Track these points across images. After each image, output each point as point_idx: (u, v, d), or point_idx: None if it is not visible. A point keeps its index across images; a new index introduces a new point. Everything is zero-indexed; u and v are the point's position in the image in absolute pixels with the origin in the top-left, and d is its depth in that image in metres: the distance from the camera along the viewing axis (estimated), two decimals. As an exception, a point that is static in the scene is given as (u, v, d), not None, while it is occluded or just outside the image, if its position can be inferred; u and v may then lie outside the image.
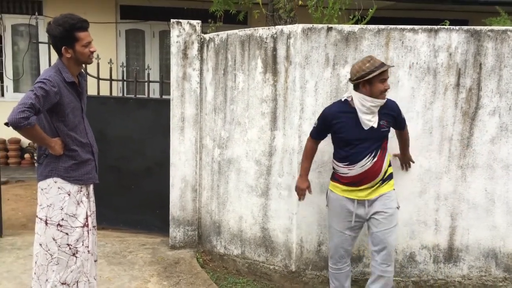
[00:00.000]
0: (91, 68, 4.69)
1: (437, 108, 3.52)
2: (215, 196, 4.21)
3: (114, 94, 5.39)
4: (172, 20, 4.29)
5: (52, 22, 2.73)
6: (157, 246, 4.54)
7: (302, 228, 3.68)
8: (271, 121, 3.76)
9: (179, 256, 4.28)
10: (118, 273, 3.92)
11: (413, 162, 3.50)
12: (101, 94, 5.03)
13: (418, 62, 3.48)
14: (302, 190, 3.35)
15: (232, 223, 4.06)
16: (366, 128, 3.02)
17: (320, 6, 4.90)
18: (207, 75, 4.24)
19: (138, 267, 4.05)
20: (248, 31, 3.85)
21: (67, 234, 2.79)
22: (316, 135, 3.25)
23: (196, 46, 4.27)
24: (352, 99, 3.06)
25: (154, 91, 7.79)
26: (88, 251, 2.90)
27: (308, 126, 3.55)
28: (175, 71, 4.31)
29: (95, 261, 3.09)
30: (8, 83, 8.50)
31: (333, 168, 3.23)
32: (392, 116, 3.12)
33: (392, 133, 3.28)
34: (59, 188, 2.77)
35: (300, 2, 5.18)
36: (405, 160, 3.49)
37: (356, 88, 3.04)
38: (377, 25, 3.51)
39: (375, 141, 3.05)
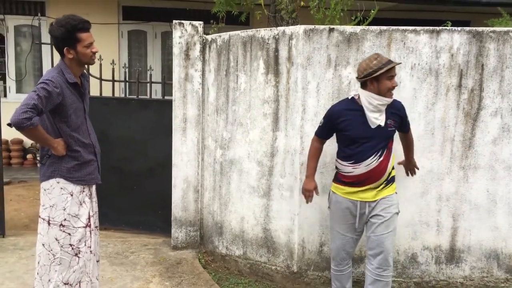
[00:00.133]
0: (93, 69, 4.70)
1: (439, 109, 3.52)
2: (217, 197, 4.21)
3: (116, 95, 5.39)
4: (174, 21, 4.30)
5: (54, 23, 2.74)
6: (159, 246, 4.55)
7: (304, 228, 3.69)
8: (273, 122, 3.76)
9: (181, 257, 4.29)
10: (120, 273, 3.93)
11: (418, 169, 3.47)
12: (103, 95, 5.05)
13: (420, 63, 3.48)
14: (309, 192, 3.27)
15: (234, 224, 4.06)
16: (373, 126, 2.99)
17: (322, 7, 4.91)
18: (209, 76, 4.25)
19: (140, 267, 4.06)
20: (250, 32, 3.85)
21: (69, 234, 2.80)
22: (322, 133, 3.21)
23: (198, 47, 4.28)
24: (359, 97, 3.04)
25: (156, 92, 7.82)
26: (91, 251, 2.91)
27: (310, 127, 3.56)
28: (177, 72, 4.31)
29: (97, 261, 3.10)
30: (11, 83, 8.53)
31: (336, 168, 3.19)
32: (399, 116, 3.10)
33: (397, 139, 3.25)
34: (61, 188, 2.78)
35: (302, 3, 5.19)
36: (410, 167, 3.45)
37: (363, 86, 3.02)
38: (379, 26, 3.51)
39: (381, 140, 3.02)
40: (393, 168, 3.15)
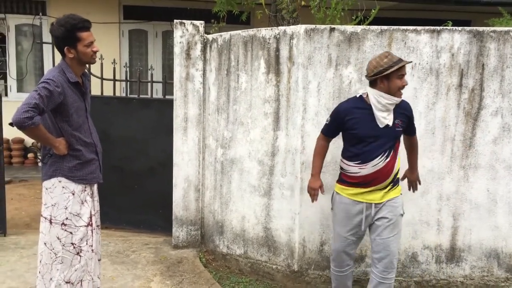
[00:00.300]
0: (94, 68, 4.71)
1: (439, 109, 3.53)
2: (218, 196, 4.22)
3: (118, 94, 5.41)
4: (175, 21, 4.30)
5: (54, 23, 2.75)
6: (160, 245, 4.56)
7: (305, 228, 3.69)
8: (273, 121, 3.77)
9: (182, 256, 4.30)
10: (121, 272, 3.94)
11: (420, 184, 3.37)
12: (104, 94, 5.06)
13: (420, 62, 3.49)
14: (314, 190, 3.18)
15: (235, 223, 4.07)
16: (381, 125, 2.93)
17: (323, 6, 4.92)
18: (210, 76, 4.26)
19: (141, 266, 4.07)
20: (251, 31, 3.86)
21: (71, 233, 2.81)
22: (328, 132, 3.13)
23: (199, 46, 4.28)
24: (367, 95, 2.97)
25: (157, 91, 7.83)
26: (92, 250, 2.92)
27: (311, 126, 3.56)
28: (178, 72, 4.32)
29: (99, 260, 3.11)
30: (12, 83, 8.54)
31: (341, 168, 3.12)
32: (407, 116, 3.04)
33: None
34: (63, 187, 2.79)
35: (303, 3, 5.19)
36: (413, 179, 3.34)
37: (372, 84, 2.96)
38: (379, 26, 3.51)
39: (389, 140, 2.95)
40: (398, 170, 3.08)
